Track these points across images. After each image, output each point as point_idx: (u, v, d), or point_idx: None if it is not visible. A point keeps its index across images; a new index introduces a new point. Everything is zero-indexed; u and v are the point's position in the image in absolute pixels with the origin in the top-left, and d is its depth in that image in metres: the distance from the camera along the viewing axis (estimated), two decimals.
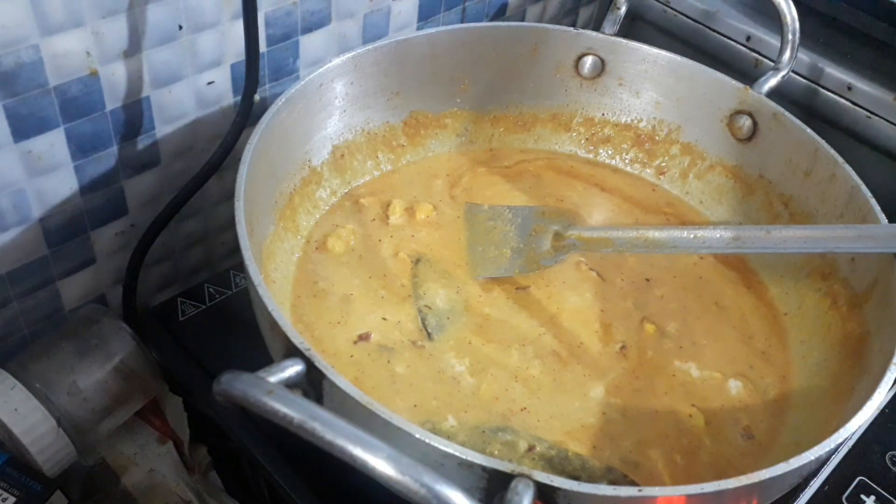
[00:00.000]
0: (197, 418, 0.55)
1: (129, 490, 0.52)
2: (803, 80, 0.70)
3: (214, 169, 0.54)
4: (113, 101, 0.50)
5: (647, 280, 0.57)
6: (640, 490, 0.36)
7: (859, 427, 0.39)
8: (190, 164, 0.57)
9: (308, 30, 0.60)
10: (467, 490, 0.35)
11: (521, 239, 0.57)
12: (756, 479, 0.36)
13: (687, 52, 0.66)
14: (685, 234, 0.53)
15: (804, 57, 0.69)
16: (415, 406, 0.46)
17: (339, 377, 0.36)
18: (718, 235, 0.51)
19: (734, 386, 0.50)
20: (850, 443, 0.51)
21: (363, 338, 0.50)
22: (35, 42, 0.44)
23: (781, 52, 0.62)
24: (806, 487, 0.48)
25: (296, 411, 0.31)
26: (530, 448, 0.45)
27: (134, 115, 0.52)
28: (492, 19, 0.74)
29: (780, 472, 0.36)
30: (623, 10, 0.67)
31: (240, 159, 0.46)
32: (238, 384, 0.32)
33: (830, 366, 0.50)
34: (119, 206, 0.56)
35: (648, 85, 0.65)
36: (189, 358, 0.54)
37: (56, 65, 0.46)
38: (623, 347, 0.51)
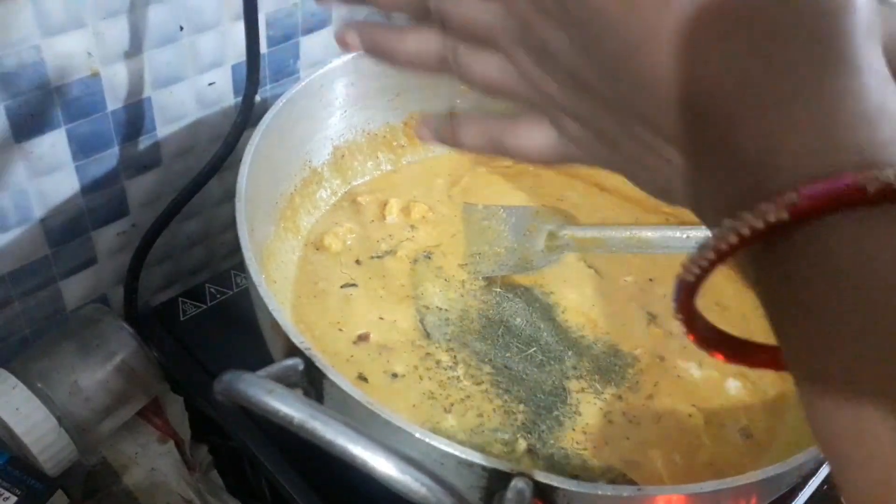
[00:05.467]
0: (198, 418, 0.55)
1: (130, 489, 0.52)
2: None
3: (215, 169, 0.54)
4: (114, 101, 0.51)
5: (651, 280, 0.57)
6: (639, 489, 0.37)
7: None
8: (191, 165, 0.57)
9: (309, 31, 0.60)
10: (467, 489, 0.35)
11: (516, 239, 0.57)
12: (755, 479, 0.36)
13: None
14: (678, 234, 0.53)
15: None
16: (414, 406, 0.46)
17: (340, 377, 0.36)
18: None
19: (733, 386, 0.50)
20: None
21: (363, 338, 0.50)
22: (36, 43, 0.45)
23: None
24: (805, 486, 0.48)
25: (296, 411, 0.32)
26: (530, 448, 0.45)
27: (135, 116, 0.53)
28: None
29: (779, 472, 0.36)
30: None
31: (240, 160, 0.47)
32: (239, 384, 0.32)
33: None
34: (120, 207, 0.56)
35: None
36: (190, 358, 0.55)
37: (57, 65, 0.46)
38: (635, 350, 0.51)
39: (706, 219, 0.22)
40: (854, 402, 0.17)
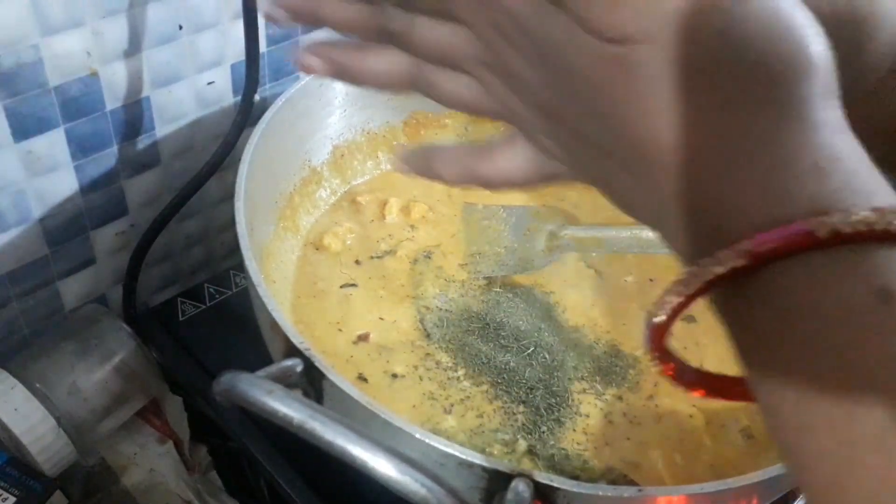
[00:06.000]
0: (197, 418, 0.55)
1: (129, 490, 0.52)
2: None
3: (214, 169, 0.54)
4: (113, 101, 0.50)
5: (651, 280, 0.57)
6: (640, 490, 0.36)
7: None
8: (190, 164, 0.57)
9: (308, 30, 0.60)
10: (467, 490, 0.35)
11: (516, 238, 0.57)
12: (756, 479, 0.36)
13: None
14: None
15: None
16: (414, 406, 0.46)
17: (339, 377, 0.36)
18: None
19: None
20: None
21: (362, 338, 0.50)
22: (35, 42, 0.44)
23: None
24: None
25: (296, 411, 0.31)
26: (530, 448, 0.45)
27: (134, 115, 0.53)
28: None
29: (779, 472, 0.36)
30: None
31: (240, 159, 0.46)
32: (238, 384, 0.32)
33: None
34: (119, 206, 0.56)
35: None
36: (189, 358, 0.54)
37: (56, 65, 0.46)
38: (635, 350, 0.51)
39: (674, 249, 0.23)
40: (807, 424, 0.19)
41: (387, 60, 0.27)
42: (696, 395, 0.25)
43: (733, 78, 0.20)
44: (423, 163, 0.30)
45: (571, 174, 0.27)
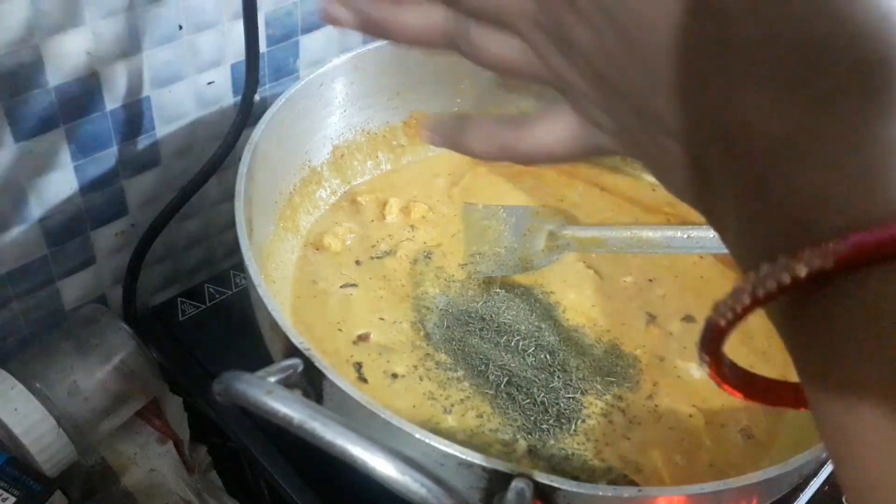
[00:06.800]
0: (197, 418, 0.55)
1: (129, 490, 0.52)
2: None
3: (214, 169, 0.54)
4: (113, 101, 0.51)
5: (650, 280, 0.57)
6: (640, 490, 0.37)
7: None
8: (190, 164, 0.57)
9: (308, 30, 0.60)
10: (467, 490, 0.35)
11: (516, 239, 0.57)
12: (756, 479, 0.36)
13: None
14: (679, 234, 0.52)
15: None
16: (414, 407, 0.46)
17: (339, 377, 0.36)
18: (712, 235, 0.51)
19: None
20: None
21: (362, 338, 0.50)
22: (35, 42, 0.44)
23: None
24: (806, 487, 0.48)
25: (296, 411, 0.31)
26: (530, 448, 0.45)
27: (134, 115, 0.53)
28: None
29: (779, 472, 0.36)
30: None
31: (240, 159, 0.46)
32: (238, 384, 0.32)
33: None
34: (119, 206, 0.56)
35: None
36: (189, 358, 0.54)
37: (56, 65, 0.46)
38: (635, 350, 0.51)
39: (726, 238, 0.21)
40: (891, 450, 0.17)
41: (424, 14, 0.25)
42: (737, 396, 0.23)
43: (839, 62, 0.18)
44: (453, 134, 0.27)
45: (618, 148, 0.24)
